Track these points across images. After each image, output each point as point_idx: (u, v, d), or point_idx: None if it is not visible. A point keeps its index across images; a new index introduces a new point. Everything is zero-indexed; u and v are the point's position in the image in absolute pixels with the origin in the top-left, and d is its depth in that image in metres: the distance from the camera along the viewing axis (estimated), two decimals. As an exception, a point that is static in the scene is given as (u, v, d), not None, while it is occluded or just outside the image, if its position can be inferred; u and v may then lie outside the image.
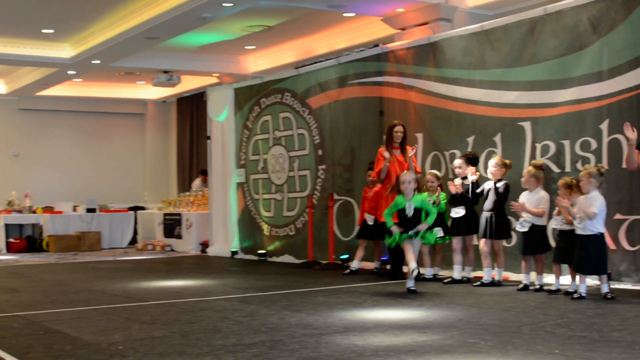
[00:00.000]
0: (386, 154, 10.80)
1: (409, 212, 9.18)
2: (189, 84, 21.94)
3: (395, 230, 9.16)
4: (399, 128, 10.95)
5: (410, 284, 9.14)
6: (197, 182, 20.31)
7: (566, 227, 8.67)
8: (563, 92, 9.87)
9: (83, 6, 14.41)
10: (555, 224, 9.10)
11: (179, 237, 18.06)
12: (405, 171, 9.81)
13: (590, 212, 8.19)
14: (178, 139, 24.01)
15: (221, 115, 16.19)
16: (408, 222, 9.20)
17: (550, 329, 6.50)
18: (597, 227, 8.29)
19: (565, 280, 8.78)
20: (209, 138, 16.72)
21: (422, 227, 9.15)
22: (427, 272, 10.48)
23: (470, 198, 9.97)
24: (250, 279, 11.38)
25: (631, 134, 8.25)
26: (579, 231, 8.38)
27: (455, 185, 10.10)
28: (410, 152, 10.82)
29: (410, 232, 9.12)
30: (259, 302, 8.59)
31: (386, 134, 11.18)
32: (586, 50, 9.64)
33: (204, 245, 16.98)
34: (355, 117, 13.01)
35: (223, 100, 16.17)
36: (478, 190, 9.92)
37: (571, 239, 8.57)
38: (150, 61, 18.62)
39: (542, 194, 9.23)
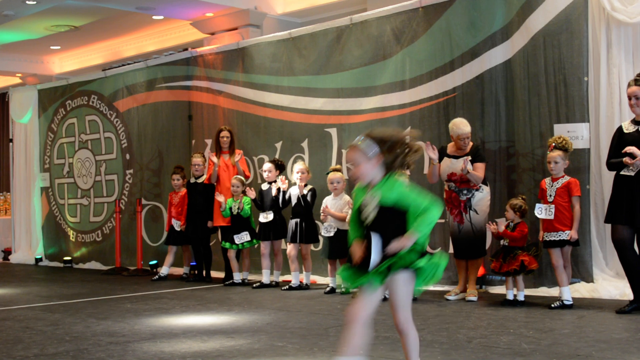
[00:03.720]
0: (214, 159, 10.85)
1: (370, 213, 4.39)
2: (-11, 84, 21.11)
3: (357, 252, 4.45)
4: (224, 133, 11.06)
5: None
6: None
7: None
8: (368, 100, 10.18)
9: None
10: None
11: (-22, 244, 17.30)
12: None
13: None
14: (-22, 141, 23.00)
15: (24, 117, 15.65)
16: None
17: (354, 331, 6.67)
18: None
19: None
20: (11, 141, 16.14)
21: (395, 247, 4.37)
22: (236, 276, 10.51)
23: (280, 204, 10.09)
24: (54, 287, 11.05)
25: (432, 153, 8.56)
26: None
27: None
28: (237, 157, 10.92)
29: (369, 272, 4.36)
30: (63, 311, 8.37)
31: (213, 139, 11.22)
32: (390, 59, 9.99)
33: (6, 252, 16.39)
34: (163, 121, 12.90)
35: (26, 102, 15.64)
36: (287, 197, 10.05)
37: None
38: (-54, 59, 17.84)
39: (346, 199, 9.45)
